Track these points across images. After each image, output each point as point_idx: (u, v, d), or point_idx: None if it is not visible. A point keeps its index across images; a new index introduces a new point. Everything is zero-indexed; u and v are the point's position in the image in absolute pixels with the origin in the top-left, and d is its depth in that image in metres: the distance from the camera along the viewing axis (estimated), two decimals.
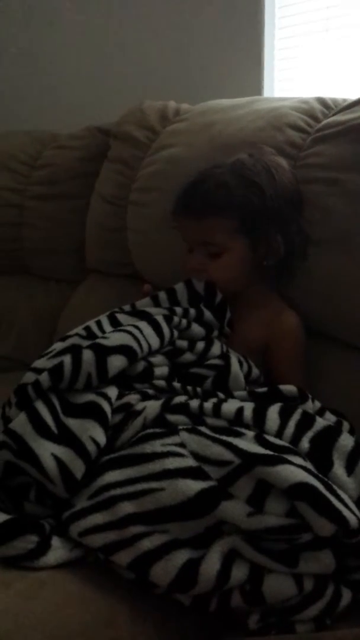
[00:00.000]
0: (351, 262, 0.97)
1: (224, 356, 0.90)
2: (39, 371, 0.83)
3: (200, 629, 0.70)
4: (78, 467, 0.72)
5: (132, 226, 1.31)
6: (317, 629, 0.66)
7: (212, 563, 0.65)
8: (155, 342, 0.86)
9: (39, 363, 0.87)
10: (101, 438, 0.75)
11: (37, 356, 0.91)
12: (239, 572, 0.66)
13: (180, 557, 0.66)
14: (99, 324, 0.91)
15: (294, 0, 1.47)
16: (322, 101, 1.13)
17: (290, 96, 1.22)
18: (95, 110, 1.64)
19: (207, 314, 0.95)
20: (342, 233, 0.98)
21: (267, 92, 1.52)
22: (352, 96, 1.11)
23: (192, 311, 0.94)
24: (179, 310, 0.93)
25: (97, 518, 0.69)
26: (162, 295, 0.97)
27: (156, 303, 0.97)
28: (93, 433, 0.75)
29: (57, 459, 0.73)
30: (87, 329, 0.90)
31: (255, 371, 0.94)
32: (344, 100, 1.11)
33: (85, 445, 0.74)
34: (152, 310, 0.93)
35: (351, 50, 1.41)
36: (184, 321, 0.91)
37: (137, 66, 1.72)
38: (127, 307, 0.96)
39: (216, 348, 0.91)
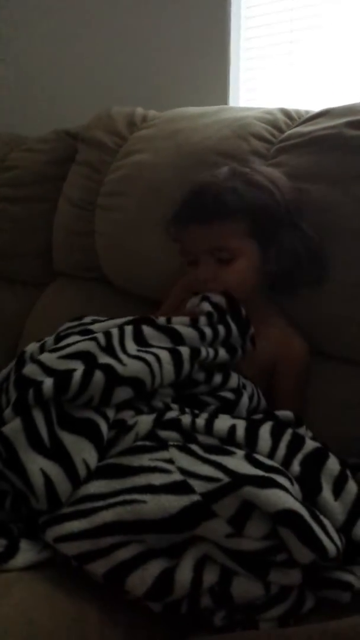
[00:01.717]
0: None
1: (237, 391, 0.88)
2: (46, 368, 0.80)
3: (168, 627, 0.71)
4: (65, 489, 0.70)
5: (100, 230, 1.32)
6: (281, 627, 0.68)
7: (186, 571, 0.66)
8: (170, 378, 0.81)
9: (47, 358, 0.81)
10: (93, 461, 0.73)
11: (2, 359, 0.90)
12: (209, 576, 0.66)
13: (156, 566, 0.66)
14: (121, 334, 0.84)
15: (260, 12, 1.50)
16: (285, 112, 1.16)
17: (255, 106, 1.24)
18: (63, 114, 1.65)
19: (234, 332, 0.90)
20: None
21: (232, 101, 1.55)
22: (314, 108, 1.14)
23: (221, 332, 0.88)
24: (208, 332, 0.87)
25: (74, 525, 0.68)
26: (203, 320, 0.90)
27: (193, 325, 0.89)
28: (86, 455, 0.73)
29: (45, 475, 0.70)
30: (108, 337, 0.83)
31: (263, 403, 0.93)
32: (307, 112, 1.14)
33: (77, 468, 0.72)
34: (182, 330, 0.86)
35: (315, 62, 1.45)
36: (212, 353, 0.86)
37: (105, 71, 1.72)
38: (162, 320, 0.88)
39: (233, 381, 0.88)
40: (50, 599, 0.66)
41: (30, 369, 0.80)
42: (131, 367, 0.78)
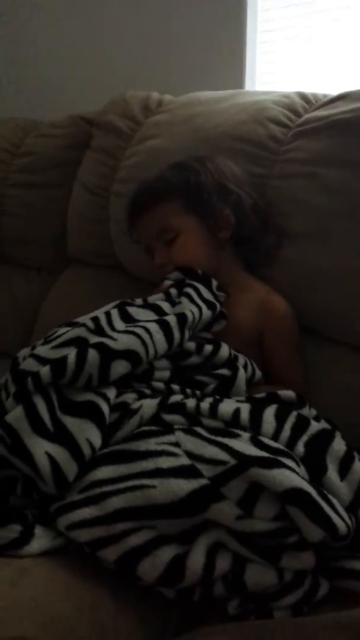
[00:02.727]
0: (331, 256, 0.99)
1: (232, 365, 0.88)
2: (40, 359, 0.81)
3: (182, 615, 0.71)
4: (71, 469, 0.71)
5: (114, 217, 1.31)
6: (294, 615, 0.68)
7: (198, 557, 0.66)
8: (162, 348, 0.83)
9: (42, 351, 0.83)
10: (97, 441, 0.74)
11: (16, 345, 0.90)
12: (222, 563, 0.66)
13: (168, 552, 0.66)
14: (108, 316, 0.88)
15: None
16: (303, 96, 1.14)
17: (272, 90, 1.23)
18: (79, 99, 1.64)
19: (202, 288, 0.94)
20: (322, 227, 1.00)
21: (248, 85, 1.53)
22: (332, 91, 1.12)
23: (191, 292, 0.93)
24: (173, 292, 0.93)
25: (85, 512, 0.68)
26: (174, 291, 0.96)
27: (168, 298, 0.94)
28: (90, 435, 0.74)
29: (50, 458, 0.71)
30: (96, 321, 0.87)
31: (258, 374, 0.94)
32: (325, 95, 1.12)
33: (82, 448, 0.72)
34: (162, 304, 0.91)
35: (332, 45, 1.42)
36: (196, 312, 0.89)
37: (121, 56, 1.71)
38: (138, 301, 0.94)
39: (224, 350, 0.89)
40: (65, 585, 0.66)
41: (26, 363, 0.82)
42: (122, 340, 0.81)
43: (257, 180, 1.08)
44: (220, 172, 1.04)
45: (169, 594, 0.68)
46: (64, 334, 0.86)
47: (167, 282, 0.98)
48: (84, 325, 0.86)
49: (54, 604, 0.64)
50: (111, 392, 0.79)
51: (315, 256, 1.01)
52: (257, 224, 1.05)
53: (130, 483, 0.69)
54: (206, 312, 0.91)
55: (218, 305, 0.94)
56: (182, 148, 1.17)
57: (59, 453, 0.72)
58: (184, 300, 0.92)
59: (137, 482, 0.68)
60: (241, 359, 0.91)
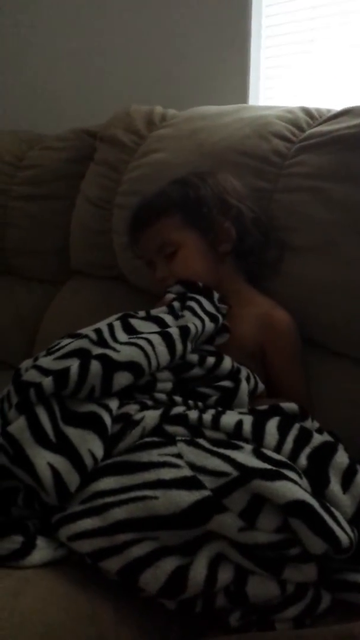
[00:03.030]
0: (334, 270, 0.99)
1: (234, 378, 0.88)
2: (43, 370, 0.81)
3: (184, 627, 0.71)
4: (73, 480, 0.71)
5: (117, 229, 1.32)
6: (297, 628, 0.67)
7: (200, 569, 0.65)
8: (165, 360, 0.83)
9: (45, 362, 0.83)
10: (99, 452, 0.74)
11: (19, 356, 0.90)
12: (224, 575, 0.66)
13: (170, 564, 0.66)
14: (111, 328, 0.88)
15: (281, 10, 1.50)
16: (306, 111, 1.15)
17: (276, 105, 1.24)
18: (82, 113, 1.65)
19: (204, 301, 0.95)
20: (326, 241, 1.00)
21: (252, 100, 1.54)
22: (335, 107, 1.13)
23: (194, 305, 0.93)
24: (177, 305, 0.94)
25: (87, 523, 0.68)
26: (177, 304, 0.96)
27: (171, 311, 0.95)
28: (92, 446, 0.74)
29: (52, 468, 0.71)
30: (99, 332, 0.87)
31: (261, 386, 0.93)
32: (328, 110, 1.13)
33: (83, 459, 0.72)
34: (165, 317, 0.91)
35: (336, 60, 1.44)
36: (199, 324, 0.89)
37: (124, 70, 1.73)
38: (141, 313, 0.94)
39: (227, 363, 0.89)
40: (67, 597, 0.66)
41: (29, 374, 0.82)
42: (125, 352, 0.81)
43: (260, 195, 1.09)
44: (220, 186, 1.05)
45: (170, 605, 0.68)
46: (66, 345, 0.86)
47: (170, 296, 0.99)
48: (86, 336, 0.86)
49: (54, 616, 0.63)
50: (113, 404, 0.79)
51: (319, 269, 1.01)
52: (258, 237, 1.06)
53: (132, 494, 0.68)
54: (209, 325, 0.91)
55: (220, 318, 0.94)
56: (186, 162, 1.18)
57: (61, 463, 0.72)
58: (187, 313, 0.92)
59: (139, 493, 0.68)
60: (244, 372, 0.91)
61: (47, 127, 1.67)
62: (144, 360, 0.81)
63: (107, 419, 0.77)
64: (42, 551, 0.70)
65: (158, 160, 1.25)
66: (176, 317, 0.92)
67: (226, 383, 0.87)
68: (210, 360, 0.88)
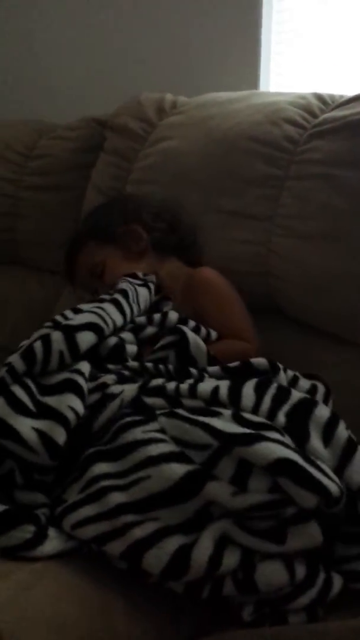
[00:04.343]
0: (345, 257, 0.99)
1: (177, 330, 0.92)
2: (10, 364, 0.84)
3: (195, 621, 0.71)
4: (59, 433, 0.74)
5: None
6: (309, 619, 0.67)
7: (203, 549, 0.66)
8: (118, 318, 0.91)
9: (12, 358, 0.86)
10: (79, 407, 0.77)
11: None
12: (230, 559, 0.66)
13: (172, 543, 0.66)
14: (63, 315, 0.94)
15: None
16: (319, 97, 1.14)
17: (288, 91, 1.22)
18: (92, 101, 1.63)
19: (129, 278, 1.03)
20: (337, 229, 1.00)
21: (263, 86, 1.52)
22: (348, 92, 1.12)
23: (121, 284, 1.01)
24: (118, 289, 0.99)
25: (88, 510, 0.69)
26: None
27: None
28: (71, 403, 0.77)
29: (37, 431, 0.74)
30: (53, 320, 0.93)
31: (213, 333, 0.98)
32: (341, 96, 1.12)
33: (65, 414, 0.76)
34: (106, 296, 0.98)
35: (348, 46, 1.41)
36: (131, 289, 0.97)
37: (134, 58, 1.71)
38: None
39: (172, 315, 0.96)
40: (78, 588, 0.66)
41: (1, 372, 0.86)
42: (80, 317, 0.88)
43: (272, 182, 1.08)
44: (117, 201, 1.23)
45: (177, 588, 0.68)
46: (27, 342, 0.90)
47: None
48: (44, 327, 0.92)
49: (66, 609, 0.64)
50: (85, 367, 0.83)
51: (331, 258, 1.01)
52: (166, 227, 1.16)
53: (127, 479, 0.70)
54: (142, 290, 0.99)
55: (151, 285, 1.03)
56: (197, 149, 1.17)
57: (44, 424, 0.75)
58: (118, 288, 0.99)
59: (133, 476, 0.69)
60: (191, 323, 0.96)
61: (56, 117, 1.66)
62: (99, 319, 0.87)
63: (81, 380, 0.80)
64: (54, 541, 0.70)
65: (169, 148, 1.24)
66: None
67: (171, 338, 0.91)
68: (157, 316, 0.95)
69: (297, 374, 0.86)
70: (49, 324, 0.92)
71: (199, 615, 0.71)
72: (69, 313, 0.93)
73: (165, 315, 0.96)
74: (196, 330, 0.95)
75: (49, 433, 0.74)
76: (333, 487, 0.66)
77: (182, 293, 1.08)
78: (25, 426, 0.74)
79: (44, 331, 0.89)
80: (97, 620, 0.64)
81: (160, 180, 1.22)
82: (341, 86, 1.38)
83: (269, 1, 1.49)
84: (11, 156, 1.57)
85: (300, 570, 0.67)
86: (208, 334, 0.97)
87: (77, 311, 0.93)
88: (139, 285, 1.01)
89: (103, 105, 1.50)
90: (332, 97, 1.13)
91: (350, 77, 1.41)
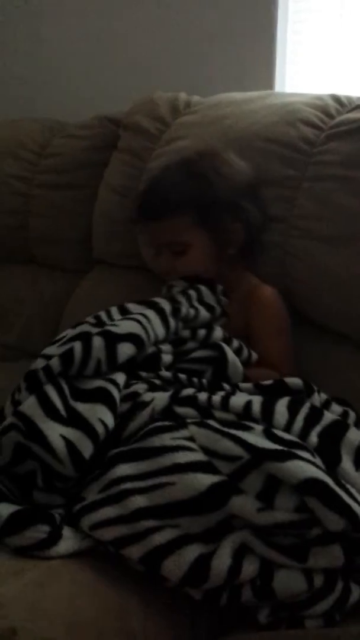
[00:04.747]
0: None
1: (217, 347, 0.91)
2: (49, 358, 0.84)
3: (211, 623, 0.71)
4: (86, 447, 0.74)
5: None
6: (327, 624, 0.66)
7: (223, 558, 0.65)
8: (161, 332, 0.88)
9: (50, 350, 0.87)
10: (110, 421, 0.77)
11: (43, 346, 0.91)
12: (249, 567, 0.66)
13: (192, 552, 0.66)
14: (108, 313, 0.93)
15: None
16: (336, 98, 1.13)
17: (304, 92, 1.22)
18: (105, 100, 1.63)
19: (204, 290, 0.99)
20: (353, 231, 0.99)
21: (278, 87, 1.52)
22: None
23: (192, 293, 0.97)
24: (180, 297, 0.96)
25: (109, 511, 0.69)
26: (177, 290, 1.01)
27: (169, 297, 0.98)
28: (102, 416, 0.76)
29: (65, 439, 0.74)
30: (97, 317, 0.92)
31: (254, 356, 0.97)
32: (359, 97, 1.12)
33: (95, 427, 0.75)
34: (160, 300, 0.94)
35: None
36: (192, 311, 0.93)
37: (148, 57, 1.70)
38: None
39: (218, 333, 0.93)
40: (94, 588, 0.66)
41: (36, 363, 0.86)
42: (123, 325, 0.86)
43: (288, 183, 1.07)
44: (234, 184, 1.03)
45: (196, 595, 0.68)
46: (68, 334, 0.90)
47: (175, 290, 1.01)
48: (86, 322, 0.91)
49: (81, 608, 0.64)
50: (120, 378, 0.82)
51: (346, 259, 1.00)
52: (256, 233, 1.06)
53: (150, 482, 0.69)
54: (203, 314, 0.95)
55: (218, 310, 0.98)
56: None
57: (73, 434, 0.75)
58: (184, 301, 0.95)
59: (156, 480, 0.69)
60: (234, 343, 0.94)
61: (70, 115, 1.65)
62: (142, 332, 0.85)
63: (115, 392, 0.80)
64: (68, 541, 0.71)
65: (183, 147, 1.22)
66: (174, 302, 0.95)
67: (210, 352, 0.90)
68: (202, 332, 0.93)
69: (329, 397, 0.86)
70: (92, 320, 0.91)
71: (214, 617, 0.71)
72: (115, 312, 0.93)
73: (210, 331, 0.93)
74: (238, 351, 0.94)
75: (76, 444, 0.74)
76: None
77: (239, 302, 1.04)
78: (54, 432, 0.74)
79: (85, 328, 0.89)
80: (112, 620, 0.64)
81: None
82: (358, 87, 1.38)
83: (285, 1, 1.48)
84: (24, 154, 1.57)
85: (319, 579, 0.67)
86: (249, 356, 0.96)
87: (123, 311, 0.92)
88: (205, 308, 0.96)
89: (117, 104, 1.49)
90: (349, 98, 1.12)
91: None
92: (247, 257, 1.08)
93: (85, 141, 1.51)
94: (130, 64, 1.74)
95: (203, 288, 0.99)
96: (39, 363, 0.85)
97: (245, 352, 0.95)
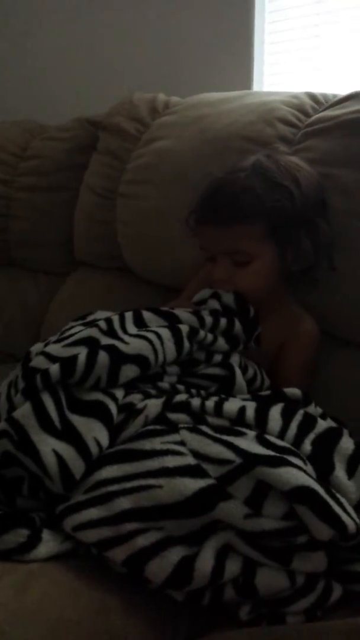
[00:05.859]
0: (345, 257, 0.98)
1: (228, 366, 0.87)
2: (51, 357, 0.81)
3: (192, 620, 0.70)
4: (78, 467, 0.71)
5: (121, 219, 1.30)
6: (308, 620, 0.66)
7: (206, 560, 0.65)
8: (172, 355, 0.83)
9: (53, 349, 0.83)
10: (104, 440, 0.74)
11: (25, 349, 0.90)
12: (232, 567, 0.66)
13: (175, 554, 0.65)
14: (122, 319, 0.87)
15: None
16: (312, 96, 1.14)
17: (280, 91, 1.22)
18: (85, 102, 1.63)
19: (238, 327, 0.90)
20: (337, 228, 0.98)
21: (256, 87, 1.52)
22: (341, 92, 1.11)
23: (223, 322, 0.89)
24: (209, 320, 0.89)
25: (92, 513, 0.68)
26: (206, 312, 0.92)
27: (194, 312, 0.91)
28: (98, 434, 0.74)
29: (57, 455, 0.71)
30: (109, 322, 0.86)
31: (267, 383, 0.93)
32: (334, 95, 1.12)
33: (89, 446, 0.72)
34: (181, 314, 0.88)
35: (340, 45, 1.42)
36: (210, 337, 0.87)
37: (126, 58, 1.71)
38: (163, 309, 0.91)
39: (234, 360, 0.89)
40: (74, 590, 0.66)
41: (37, 360, 0.82)
42: (134, 345, 0.80)
43: None
44: (310, 198, 0.94)
45: (178, 596, 0.67)
46: (76, 333, 0.86)
47: (212, 304, 0.94)
48: (96, 325, 0.86)
49: (62, 610, 0.63)
50: (119, 393, 0.79)
51: None
52: (325, 255, 0.97)
53: (136, 483, 0.69)
54: (222, 344, 0.88)
55: (241, 344, 0.91)
56: (190, 149, 1.17)
57: (66, 450, 0.72)
58: (206, 321, 0.89)
59: (143, 482, 0.68)
60: (250, 371, 0.91)
61: (48, 117, 1.65)
62: (152, 355, 0.81)
63: (113, 408, 0.77)
64: (48, 544, 0.70)
65: (162, 147, 1.23)
66: (198, 317, 0.89)
67: (219, 371, 0.87)
68: (218, 357, 0.88)
69: (325, 413, 0.85)
70: (103, 325, 0.85)
71: (196, 615, 0.70)
72: (129, 321, 0.87)
73: (227, 358, 0.88)
74: (252, 380, 0.90)
75: (68, 463, 0.71)
76: (350, 524, 0.65)
77: (277, 324, 0.98)
78: (47, 447, 0.72)
79: (95, 334, 0.83)
80: (94, 621, 0.63)
81: (154, 180, 1.22)
82: (334, 86, 1.39)
83: (262, 1, 1.49)
84: (4, 157, 1.57)
85: (301, 577, 0.67)
86: (261, 386, 0.92)
87: (138, 321, 0.87)
88: (226, 340, 0.89)
89: (96, 106, 1.49)
90: (325, 96, 1.13)
91: (343, 77, 1.42)
92: (300, 281, 0.99)
93: (65, 143, 1.51)
94: (109, 66, 1.74)
95: (237, 323, 0.90)
96: (40, 361, 0.81)
97: (258, 380, 0.91)
